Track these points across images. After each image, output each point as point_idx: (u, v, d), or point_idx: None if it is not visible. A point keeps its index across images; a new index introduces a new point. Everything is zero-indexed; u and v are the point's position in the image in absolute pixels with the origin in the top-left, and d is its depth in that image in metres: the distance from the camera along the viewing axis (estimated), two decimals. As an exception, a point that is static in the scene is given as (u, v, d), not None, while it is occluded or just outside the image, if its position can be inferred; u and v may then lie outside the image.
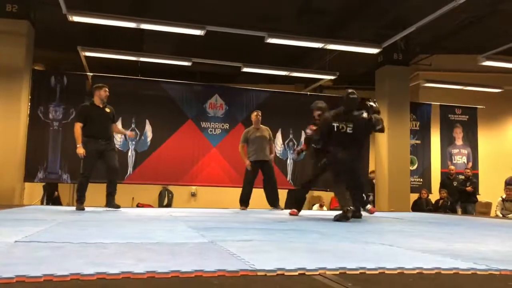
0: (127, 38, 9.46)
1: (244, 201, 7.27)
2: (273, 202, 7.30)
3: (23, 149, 8.18)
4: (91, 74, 9.14)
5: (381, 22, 9.00)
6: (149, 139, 9.04)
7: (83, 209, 5.62)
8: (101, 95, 6.05)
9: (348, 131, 4.92)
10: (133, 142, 8.94)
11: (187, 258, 1.82)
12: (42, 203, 10.24)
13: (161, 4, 8.26)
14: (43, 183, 9.97)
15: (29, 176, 8.37)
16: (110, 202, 5.78)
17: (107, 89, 6.11)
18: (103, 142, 5.82)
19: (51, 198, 10.31)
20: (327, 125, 4.96)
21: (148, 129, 9.00)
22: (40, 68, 9.80)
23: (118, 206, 5.77)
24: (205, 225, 3.60)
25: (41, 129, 8.52)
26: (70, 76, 8.88)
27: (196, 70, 10.76)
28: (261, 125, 7.43)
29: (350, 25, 9.18)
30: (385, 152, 9.92)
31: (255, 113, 7.47)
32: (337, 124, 4.91)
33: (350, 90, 5.20)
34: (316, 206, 11.17)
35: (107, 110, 6.08)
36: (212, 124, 9.53)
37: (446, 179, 10.56)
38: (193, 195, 12.67)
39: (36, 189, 10.87)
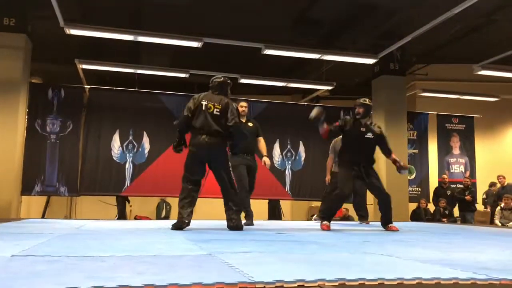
0: (124, 50, 9.50)
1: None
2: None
3: (20, 162, 8.16)
4: (89, 86, 9.16)
5: (377, 33, 9.07)
6: (146, 151, 9.03)
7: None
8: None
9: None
10: (131, 154, 8.93)
11: (185, 271, 1.81)
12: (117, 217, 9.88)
13: (158, 17, 8.31)
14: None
15: (26, 189, 8.34)
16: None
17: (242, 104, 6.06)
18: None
19: (123, 214, 9.94)
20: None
21: (146, 141, 9.00)
22: (38, 81, 9.82)
23: None
24: (204, 237, 3.58)
25: (38, 142, 8.51)
26: (67, 89, 8.90)
27: (193, 82, 10.79)
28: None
29: (346, 35, 9.25)
30: (383, 162, 9.91)
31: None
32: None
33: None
34: (316, 217, 11.12)
35: (250, 124, 6.05)
36: (210, 136, 9.52)
37: (440, 188, 10.56)
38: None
39: (33, 202, 10.82)
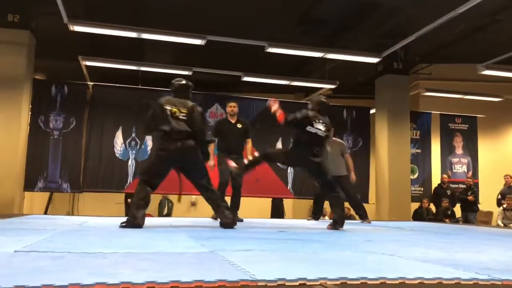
0: (127, 47, 9.51)
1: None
2: None
3: (23, 158, 8.18)
4: (92, 83, 9.17)
5: (381, 32, 9.05)
6: (149, 148, 9.03)
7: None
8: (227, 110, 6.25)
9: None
10: (134, 151, 8.94)
11: (187, 268, 1.81)
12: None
13: (161, 14, 8.30)
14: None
15: (29, 185, 8.36)
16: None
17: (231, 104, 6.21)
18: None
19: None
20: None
21: (149, 138, 8.99)
22: (41, 77, 9.83)
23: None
24: (205, 235, 3.59)
25: (41, 138, 8.52)
26: (70, 86, 8.90)
27: (196, 79, 10.75)
28: (334, 139, 7.16)
29: (350, 34, 9.23)
30: (385, 161, 9.92)
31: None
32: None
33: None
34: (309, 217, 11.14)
35: (239, 125, 6.13)
36: (213, 133, 9.53)
37: (440, 188, 10.53)
38: (193, 204, 12.64)
39: (36, 198, 10.85)
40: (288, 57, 8.91)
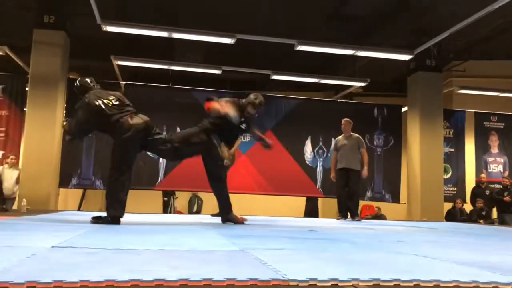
0: (158, 47, 9.65)
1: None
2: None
3: (58, 156, 8.41)
4: (124, 82, 9.35)
5: (413, 28, 8.87)
6: (179, 146, 9.13)
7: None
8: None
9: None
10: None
11: (218, 266, 1.82)
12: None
13: (191, 14, 8.39)
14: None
15: (64, 182, 8.60)
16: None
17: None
18: None
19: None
20: None
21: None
22: (75, 77, 10.07)
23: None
24: (235, 233, 3.61)
25: (75, 136, 8.74)
26: (104, 85, 9.01)
27: (225, 78, 10.86)
28: (352, 133, 7.20)
29: (381, 31, 9.09)
30: (417, 160, 9.73)
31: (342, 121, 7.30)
32: None
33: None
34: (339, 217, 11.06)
35: None
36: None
37: (477, 188, 10.25)
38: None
39: (70, 195, 11.15)
40: (318, 54, 8.86)
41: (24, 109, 8.49)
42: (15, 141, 8.76)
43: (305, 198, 10.99)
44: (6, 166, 8.21)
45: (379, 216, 10.89)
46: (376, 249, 2.88)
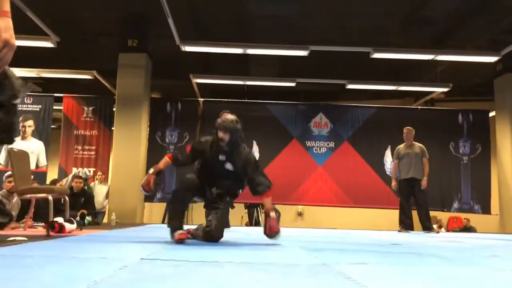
0: (233, 63, 9.90)
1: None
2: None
3: (144, 171, 8.85)
4: (202, 99, 9.70)
5: (498, 28, 8.31)
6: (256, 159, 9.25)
7: None
8: None
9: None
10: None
11: (302, 281, 1.80)
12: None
13: (265, 28, 8.51)
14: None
15: (149, 196, 9.02)
16: None
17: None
18: None
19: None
20: None
21: (255, 149, 9.24)
22: (157, 96, 10.63)
23: None
24: (316, 246, 3.56)
25: (158, 152, 9.17)
26: (183, 102, 9.52)
27: (300, 90, 10.86)
28: (414, 142, 7.07)
29: (462, 33, 8.60)
30: (509, 168, 9.05)
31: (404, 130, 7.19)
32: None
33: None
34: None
35: None
36: (317, 143, 9.50)
37: None
38: (300, 214, 12.63)
39: (154, 208, 11.66)
40: (394, 61, 8.59)
41: (112, 128, 9.08)
42: (105, 158, 9.39)
43: (385, 210, 10.60)
44: (97, 182, 8.82)
45: (468, 229, 10.23)
46: (466, 264, 2.69)
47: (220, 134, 3.63)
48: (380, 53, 7.92)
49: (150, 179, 3.56)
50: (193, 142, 4.09)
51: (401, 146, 7.19)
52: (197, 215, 11.98)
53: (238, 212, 10.86)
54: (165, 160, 3.74)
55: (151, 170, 3.65)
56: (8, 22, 1.45)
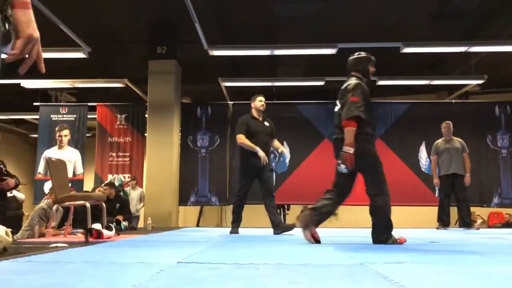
0: (261, 65, 9.92)
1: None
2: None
3: (177, 176, 8.99)
4: (232, 102, 9.76)
5: (535, 15, 8.01)
6: (287, 160, 9.24)
7: (236, 232, 5.36)
8: (256, 106, 5.65)
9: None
10: (273, 164, 9.22)
11: (339, 281, 1.79)
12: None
13: (291, 29, 8.49)
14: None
15: (183, 200, 9.15)
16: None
17: (262, 99, 5.63)
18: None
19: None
20: None
21: (286, 150, 9.20)
22: (187, 101, 10.77)
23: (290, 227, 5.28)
24: (352, 246, 3.52)
25: (190, 156, 9.30)
26: (213, 106, 9.61)
27: (329, 88, 10.76)
28: (453, 137, 6.96)
29: (496, 22, 8.34)
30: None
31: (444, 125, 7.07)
32: None
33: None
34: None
35: (266, 123, 5.66)
36: (349, 142, 9.37)
37: None
38: (334, 214, 12.51)
39: (188, 212, 11.81)
40: (425, 55, 8.42)
41: (145, 134, 9.26)
42: (139, 164, 9.57)
43: (421, 207, 10.38)
44: (130, 187, 9.00)
45: (510, 224, 9.89)
46: (509, 261, 2.61)
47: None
48: (411, 48, 7.76)
49: (352, 158, 3.85)
50: None
51: (440, 141, 7.01)
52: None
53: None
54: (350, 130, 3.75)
55: (350, 150, 3.80)
56: (30, 14, 1.35)
